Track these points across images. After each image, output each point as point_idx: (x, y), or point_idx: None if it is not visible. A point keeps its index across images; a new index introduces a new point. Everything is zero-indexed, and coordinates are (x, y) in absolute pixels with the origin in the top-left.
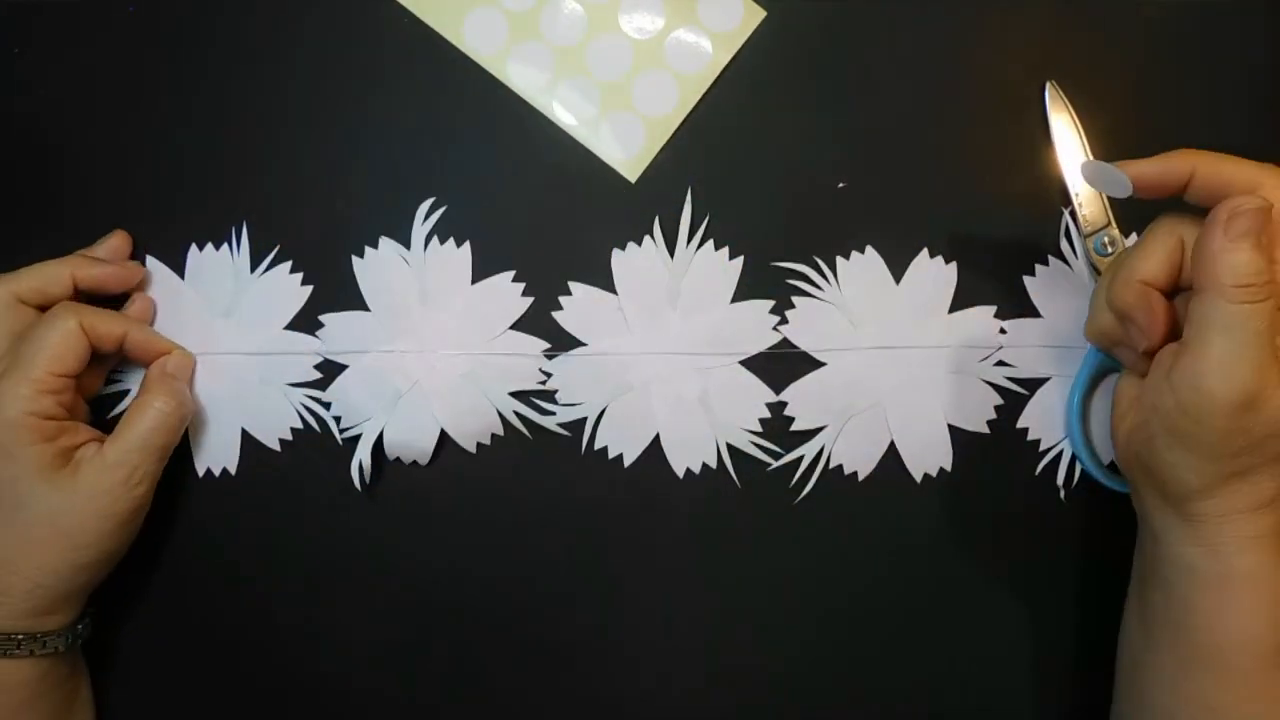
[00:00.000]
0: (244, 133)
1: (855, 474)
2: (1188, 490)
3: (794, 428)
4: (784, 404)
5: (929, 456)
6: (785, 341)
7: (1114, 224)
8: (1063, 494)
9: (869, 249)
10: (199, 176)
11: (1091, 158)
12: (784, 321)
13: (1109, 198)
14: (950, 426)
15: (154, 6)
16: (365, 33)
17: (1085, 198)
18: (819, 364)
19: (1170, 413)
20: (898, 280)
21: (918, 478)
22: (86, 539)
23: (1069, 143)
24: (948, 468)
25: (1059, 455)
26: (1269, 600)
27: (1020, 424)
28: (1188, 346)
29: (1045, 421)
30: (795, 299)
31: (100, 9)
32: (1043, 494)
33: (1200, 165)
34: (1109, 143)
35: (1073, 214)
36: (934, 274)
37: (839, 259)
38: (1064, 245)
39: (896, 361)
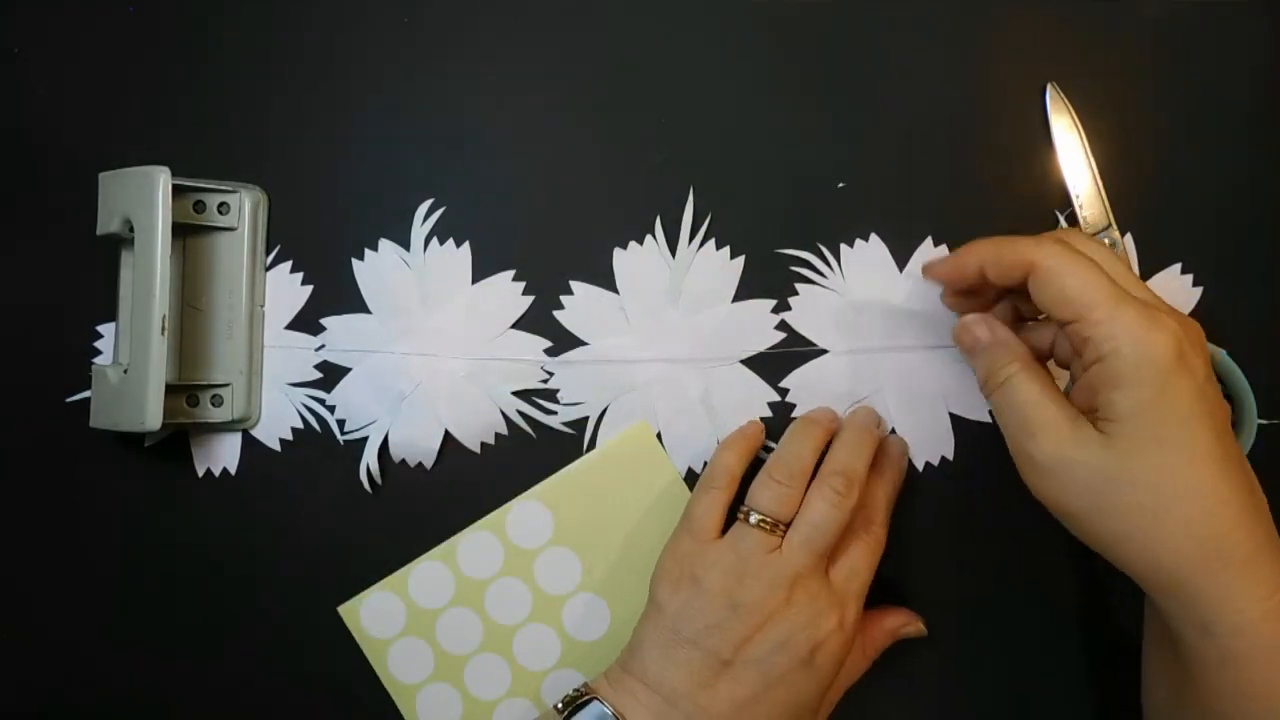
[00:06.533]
0: (243, 133)
1: None
2: None
3: (795, 414)
4: (785, 404)
5: (931, 445)
6: (787, 341)
7: (1114, 226)
8: None
9: (873, 236)
10: (199, 177)
11: (1092, 159)
12: (787, 309)
13: (1110, 199)
14: (952, 415)
15: (154, 6)
16: (365, 33)
17: (1086, 199)
18: (821, 351)
19: None
20: (900, 269)
21: (920, 466)
22: None
23: (1070, 144)
24: (950, 456)
25: None
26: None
27: None
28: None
29: None
30: (799, 285)
31: (100, 9)
32: None
33: (985, 256)
34: (1109, 144)
35: (1072, 216)
36: None
37: (843, 245)
38: None
39: (899, 350)
